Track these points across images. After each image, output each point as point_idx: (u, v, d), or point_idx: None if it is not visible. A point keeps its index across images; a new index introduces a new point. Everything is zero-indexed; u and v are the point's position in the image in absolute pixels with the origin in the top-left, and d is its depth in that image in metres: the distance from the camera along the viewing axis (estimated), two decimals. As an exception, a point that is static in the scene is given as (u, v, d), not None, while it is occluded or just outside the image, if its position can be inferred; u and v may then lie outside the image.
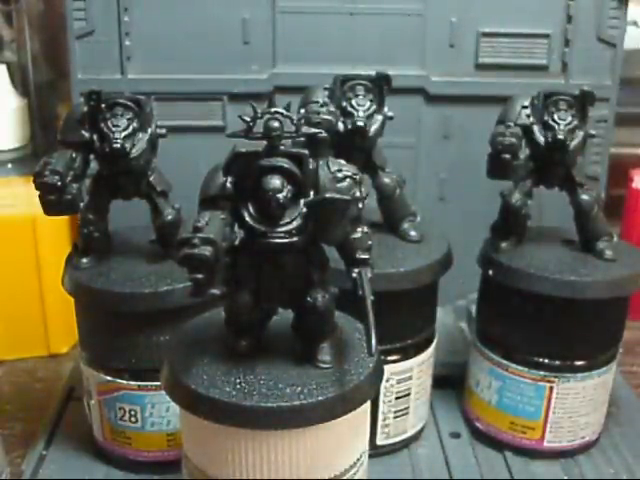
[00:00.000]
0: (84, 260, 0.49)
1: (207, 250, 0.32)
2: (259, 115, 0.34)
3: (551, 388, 0.52)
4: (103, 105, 0.46)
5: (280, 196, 0.34)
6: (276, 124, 0.34)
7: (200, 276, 0.32)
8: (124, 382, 0.49)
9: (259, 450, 0.35)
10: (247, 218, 0.34)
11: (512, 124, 0.50)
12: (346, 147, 0.49)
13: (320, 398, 0.34)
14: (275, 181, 0.34)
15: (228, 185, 0.35)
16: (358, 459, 0.38)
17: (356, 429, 0.38)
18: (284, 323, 0.38)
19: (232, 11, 0.63)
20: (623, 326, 0.54)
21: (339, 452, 0.37)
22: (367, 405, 0.38)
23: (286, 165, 0.34)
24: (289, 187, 0.34)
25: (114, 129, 0.46)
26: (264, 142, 0.34)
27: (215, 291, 0.33)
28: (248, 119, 0.34)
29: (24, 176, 0.71)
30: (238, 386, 0.35)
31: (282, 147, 0.34)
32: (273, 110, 0.34)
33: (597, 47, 0.66)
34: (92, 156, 0.48)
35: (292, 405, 0.34)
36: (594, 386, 0.52)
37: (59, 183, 0.45)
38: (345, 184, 0.35)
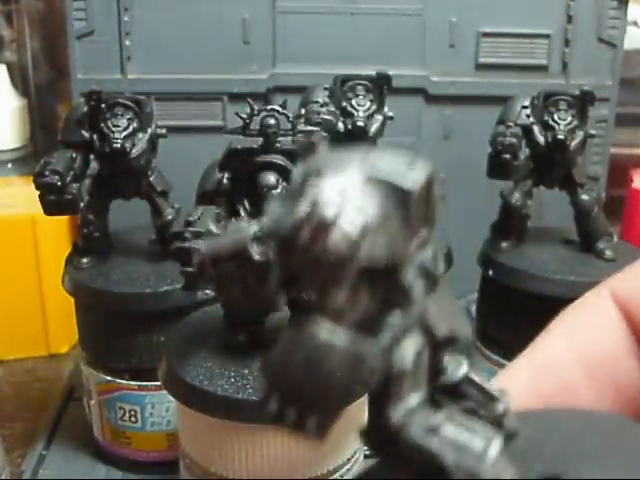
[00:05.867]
0: (84, 260, 0.49)
1: (198, 244, 0.32)
2: (256, 112, 0.34)
3: (551, 388, 0.52)
4: (103, 105, 0.46)
5: (275, 192, 0.34)
6: (272, 121, 0.34)
7: (191, 269, 0.32)
8: (124, 382, 0.49)
9: (253, 444, 0.35)
10: (243, 214, 0.35)
11: (512, 124, 0.50)
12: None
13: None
14: (270, 177, 0.34)
15: (224, 181, 0.35)
16: (353, 455, 0.38)
17: (352, 425, 0.38)
18: (283, 318, 0.38)
19: (232, 11, 0.63)
20: (623, 326, 0.54)
21: (334, 447, 0.37)
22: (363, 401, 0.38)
23: (281, 162, 0.34)
24: (284, 183, 0.34)
25: (114, 129, 0.46)
26: (260, 139, 0.35)
27: (207, 292, 0.33)
28: (245, 116, 0.34)
29: (24, 176, 0.71)
30: (232, 380, 0.35)
31: (278, 144, 0.35)
32: (269, 107, 0.34)
33: (597, 47, 0.66)
34: (92, 156, 0.48)
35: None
36: (594, 386, 0.52)
37: (59, 183, 0.45)
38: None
